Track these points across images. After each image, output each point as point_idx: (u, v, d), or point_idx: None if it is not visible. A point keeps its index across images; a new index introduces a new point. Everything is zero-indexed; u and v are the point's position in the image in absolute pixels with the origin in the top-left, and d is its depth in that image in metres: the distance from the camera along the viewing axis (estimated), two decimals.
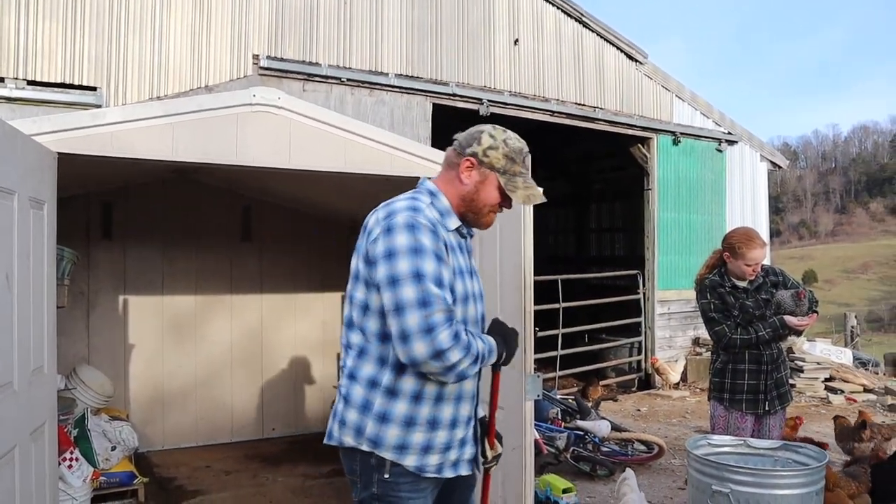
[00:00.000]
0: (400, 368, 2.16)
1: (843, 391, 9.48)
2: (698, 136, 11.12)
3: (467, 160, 2.29)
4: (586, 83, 9.81)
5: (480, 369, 2.24)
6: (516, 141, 2.34)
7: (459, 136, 2.38)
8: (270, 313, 7.39)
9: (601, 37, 9.95)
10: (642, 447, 6.37)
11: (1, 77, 6.09)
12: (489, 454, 2.45)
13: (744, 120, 12.82)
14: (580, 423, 6.09)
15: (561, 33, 9.51)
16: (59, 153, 3.44)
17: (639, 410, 8.91)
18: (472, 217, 2.33)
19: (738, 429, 4.06)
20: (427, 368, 2.05)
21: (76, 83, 6.44)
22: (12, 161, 2.81)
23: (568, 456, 5.85)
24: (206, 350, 7.08)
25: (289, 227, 7.45)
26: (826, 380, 9.84)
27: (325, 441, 2.33)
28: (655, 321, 10.65)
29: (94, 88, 6.51)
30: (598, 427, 6.07)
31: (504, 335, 2.32)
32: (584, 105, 9.76)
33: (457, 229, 2.31)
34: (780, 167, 12.76)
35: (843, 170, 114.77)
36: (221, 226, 7.14)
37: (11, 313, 2.78)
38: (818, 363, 9.95)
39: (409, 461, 2.19)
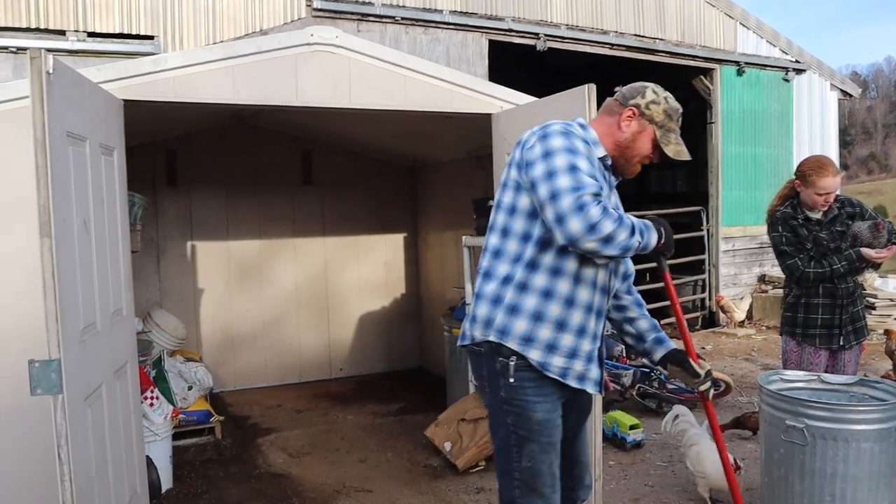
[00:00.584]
0: (533, 266, 2.32)
1: None
2: (764, 66, 10.63)
3: (629, 110, 2.44)
4: (646, 13, 9.43)
5: (643, 247, 2.26)
6: (675, 101, 2.49)
7: (622, 89, 2.52)
8: (334, 256, 7.50)
9: None
10: None
11: (63, 30, 6.20)
12: (700, 371, 2.53)
13: (811, 47, 12.19)
14: (646, 360, 6.04)
15: None
16: (124, 100, 3.49)
17: (703, 349, 8.80)
18: (622, 163, 2.49)
19: (811, 364, 3.96)
20: (586, 245, 2.13)
21: (134, 33, 6.50)
22: (82, 108, 2.86)
23: (634, 393, 5.84)
24: (271, 293, 7.25)
25: (349, 170, 7.49)
26: None
27: (458, 343, 2.52)
28: (720, 258, 10.41)
29: (151, 37, 6.56)
30: None
31: (654, 220, 2.37)
32: (643, 36, 9.41)
33: (601, 159, 2.44)
34: (851, 96, 12.15)
35: None
36: (282, 170, 7.22)
37: (91, 256, 2.87)
38: (891, 300, 9.62)
39: (534, 355, 2.32)
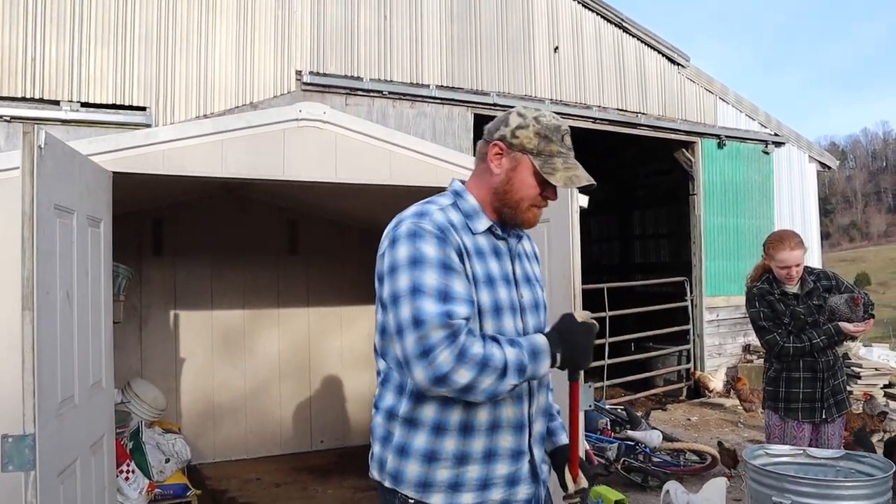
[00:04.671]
0: (418, 396, 1.89)
1: None
2: (744, 139, 10.93)
3: (495, 146, 1.97)
4: (628, 89, 9.73)
5: (528, 381, 1.87)
6: (551, 118, 1.99)
7: (488, 125, 2.07)
8: (317, 326, 7.46)
9: (642, 41, 9.86)
10: (695, 457, 6.25)
11: (57, 100, 6.31)
12: (570, 486, 2.06)
13: (789, 120, 12.54)
14: (631, 433, 6.00)
15: (601, 39, 9.45)
16: (114, 172, 3.53)
17: (689, 420, 8.75)
18: (509, 213, 1.98)
19: (794, 438, 3.96)
20: (440, 394, 1.80)
21: (127, 104, 6.62)
22: (72, 181, 2.89)
23: (619, 467, 5.77)
24: (254, 363, 7.17)
25: (335, 241, 7.52)
26: (885, 386, 9.53)
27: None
28: (704, 328, 10.46)
29: (143, 108, 6.69)
30: (650, 437, 5.98)
31: (562, 331, 1.87)
32: (626, 111, 9.68)
33: (489, 230, 1.99)
34: (829, 168, 12.47)
35: (895, 168, 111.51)
36: (269, 240, 7.24)
37: (72, 329, 2.85)
38: (876, 369, 9.65)
39: (436, 500, 1.90)
